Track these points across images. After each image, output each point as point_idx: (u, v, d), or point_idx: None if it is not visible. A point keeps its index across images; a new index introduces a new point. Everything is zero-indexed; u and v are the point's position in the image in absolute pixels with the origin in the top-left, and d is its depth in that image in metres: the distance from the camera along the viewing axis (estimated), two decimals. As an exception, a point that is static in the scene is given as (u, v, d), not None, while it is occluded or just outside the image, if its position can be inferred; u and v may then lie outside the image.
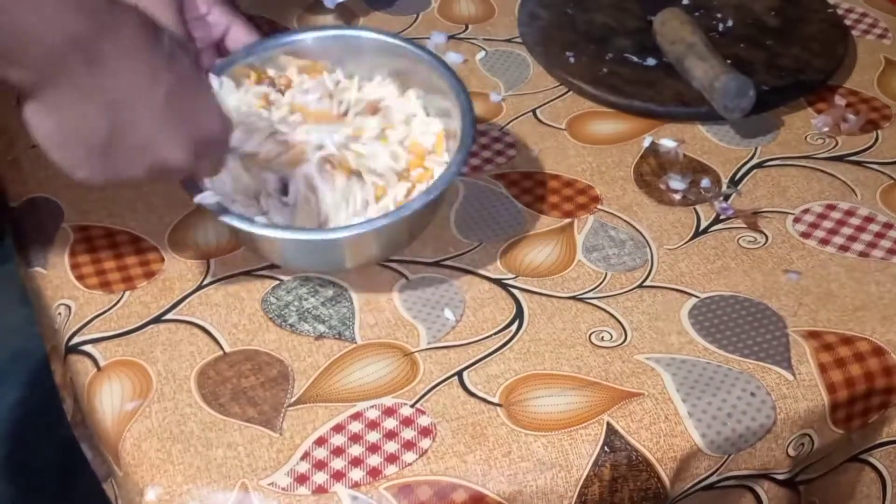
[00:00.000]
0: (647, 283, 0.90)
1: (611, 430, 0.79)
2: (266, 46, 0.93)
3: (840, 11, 1.18)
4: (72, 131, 0.70)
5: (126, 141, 0.71)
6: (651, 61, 1.09)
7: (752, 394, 0.81)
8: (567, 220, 0.95)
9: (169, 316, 0.86)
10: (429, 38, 1.14)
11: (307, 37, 0.94)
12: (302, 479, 0.76)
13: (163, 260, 0.91)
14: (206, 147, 0.76)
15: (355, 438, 0.78)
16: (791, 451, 0.82)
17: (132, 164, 0.73)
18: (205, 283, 0.89)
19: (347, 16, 1.17)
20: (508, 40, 1.15)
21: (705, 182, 0.98)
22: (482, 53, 1.13)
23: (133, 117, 0.71)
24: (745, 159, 1.01)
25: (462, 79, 0.90)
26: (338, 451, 0.77)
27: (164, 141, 0.73)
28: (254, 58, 0.92)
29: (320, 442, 0.78)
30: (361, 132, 0.89)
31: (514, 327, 0.86)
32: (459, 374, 0.82)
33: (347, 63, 0.93)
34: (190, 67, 0.75)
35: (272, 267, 0.90)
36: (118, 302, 0.87)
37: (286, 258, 0.89)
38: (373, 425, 0.79)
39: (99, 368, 0.83)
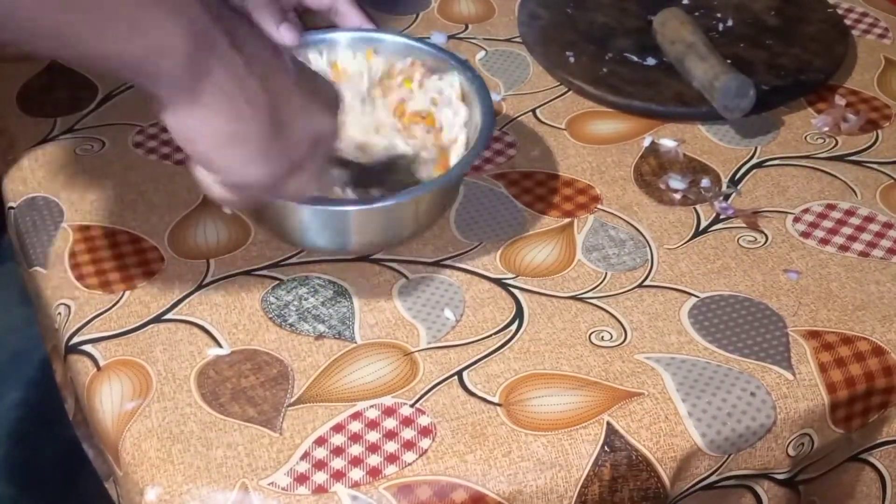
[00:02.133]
0: (647, 282, 0.90)
1: (611, 430, 0.79)
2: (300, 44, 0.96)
3: (840, 11, 1.18)
4: (235, 124, 0.68)
5: (285, 115, 0.70)
6: (651, 61, 1.09)
7: (752, 393, 0.81)
8: (567, 220, 0.95)
9: (169, 316, 0.86)
10: (429, 38, 1.14)
11: (340, 37, 0.97)
12: (302, 478, 0.76)
13: (163, 260, 0.91)
14: (338, 111, 0.76)
15: (355, 438, 0.78)
16: (791, 451, 0.82)
17: (297, 139, 0.72)
18: (205, 282, 0.89)
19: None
20: (508, 40, 1.15)
21: (705, 182, 0.98)
22: (482, 53, 1.13)
23: (283, 88, 0.70)
24: (745, 159, 1.01)
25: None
26: (338, 451, 0.77)
27: (314, 107, 0.73)
28: None
29: (320, 442, 0.78)
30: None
31: (513, 327, 0.86)
32: (459, 373, 0.82)
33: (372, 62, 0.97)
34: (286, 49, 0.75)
35: (272, 266, 0.90)
36: (118, 302, 0.87)
37: (294, 229, 0.89)
38: (373, 425, 0.79)
39: (99, 368, 0.83)
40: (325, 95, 0.76)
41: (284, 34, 0.95)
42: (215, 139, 0.69)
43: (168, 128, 0.69)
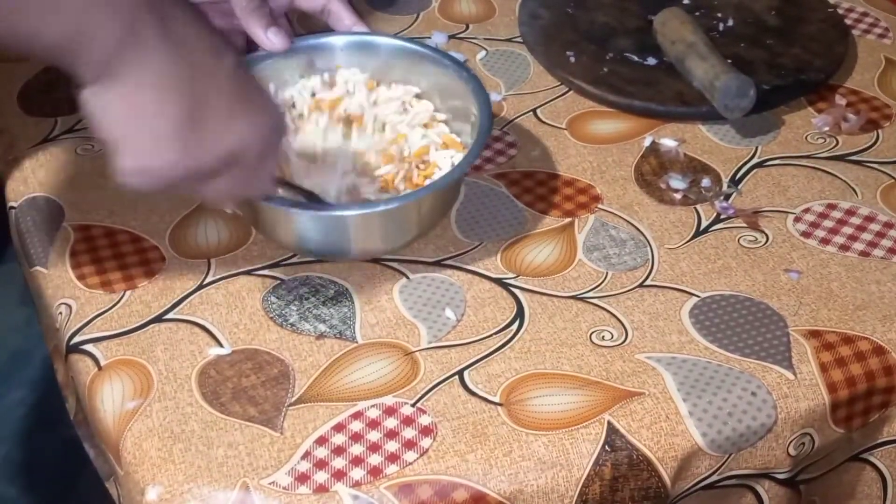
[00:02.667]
0: (648, 282, 0.90)
1: (611, 430, 0.79)
2: (294, 49, 0.95)
3: (840, 11, 1.18)
4: (146, 113, 0.66)
5: (201, 119, 0.68)
6: (651, 61, 1.09)
7: (753, 393, 0.81)
8: (568, 220, 0.95)
9: (170, 315, 0.87)
10: (429, 38, 1.14)
11: (335, 41, 0.97)
12: (303, 478, 0.76)
13: (163, 259, 0.91)
14: (271, 133, 0.73)
15: (356, 438, 0.78)
16: (792, 451, 0.82)
17: (212, 143, 0.69)
18: (206, 282, 0.89)
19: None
20: (509, 40, 1.15)
21: (706, 181, 0.98)
22: (483, 53, 1.13)
23: (211, 88, 0.68)
24: (746, 159, 1.01)
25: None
26: (338, 451, 0.77)
27: (242, 119, 0.70)
28: (276, 59, 0.95)
29: (321, 441, 0.78)
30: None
31: (514, 327, 0.86)
32: (460, 373, 0.82)
33: (367, 66, 0.96)
34: (238, 55, 0.72)
35: (273, 266, 0.90)
36: (119, 301, 0.88)
37: (295, 237, 0.89)
38: (373, 424, 0.79)
39: (100, 368, 0.83)
40: (262, 113, 0.72)
41: (273, 39, 0.94)
42: (127, 117, 0.67)
43: (81, 103, 0.67)
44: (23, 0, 0.61)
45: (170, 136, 0.68)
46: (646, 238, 0.93)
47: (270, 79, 0.94)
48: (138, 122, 0.67)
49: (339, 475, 0.76)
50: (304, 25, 1.09)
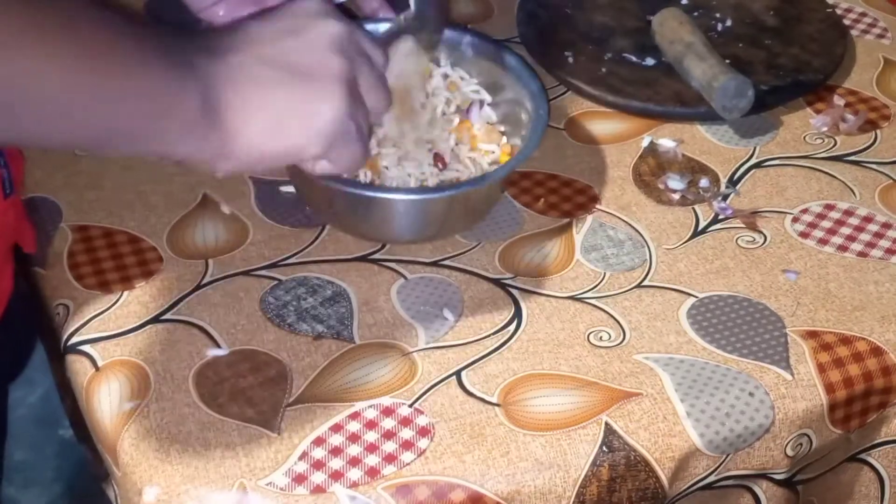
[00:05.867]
0: (646, 282, 0.90)
1: (609, 430, 0.79)
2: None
3: (839, 11, 1.18)
4: (269, 109, 0.69)
5: (299, 56, 0.72)
6: (650, 61, 1.09)
7: (751, 393, 0.81)
8: (565, 220, 0.95)
9: (167, 316, 0.86)
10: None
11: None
12: (300, 479, 0.76)
13: (161, 260, 0.91)
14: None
15: (353, 438, 0.78)
16: (789, 451, 0.82)
17: (321, 53, 0.73)
18: (203, 282, 0.89)
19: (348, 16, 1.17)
20: (507, 40, 1.15)
21: (704, 182, 0.98)
22: (481, 53, 1.13)
23: (272, 42, 0.71)
24: (744, 159, 1.01)
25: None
26: (336, 451, 0.77)
27: (312, 23, 0.74)
28: None
29: (318, 442, 0.78)
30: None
31: (512, 327, 0.86)
32: (458, 373, 0.82)
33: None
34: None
35: (271, 266, 0.90)
36: (117, 302, 0.87)
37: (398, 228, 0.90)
38: (371, 425, 0.79)
39: (97, 368, 0.83)
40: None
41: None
42: (264, 134, 0.70)
43: (228, 171, 0.70)
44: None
45: (305, 97, 0.71)
46: (644, 238, 0.93)
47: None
48: (276, 125, 0.70)
49: (336, 476, 0.76)
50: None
